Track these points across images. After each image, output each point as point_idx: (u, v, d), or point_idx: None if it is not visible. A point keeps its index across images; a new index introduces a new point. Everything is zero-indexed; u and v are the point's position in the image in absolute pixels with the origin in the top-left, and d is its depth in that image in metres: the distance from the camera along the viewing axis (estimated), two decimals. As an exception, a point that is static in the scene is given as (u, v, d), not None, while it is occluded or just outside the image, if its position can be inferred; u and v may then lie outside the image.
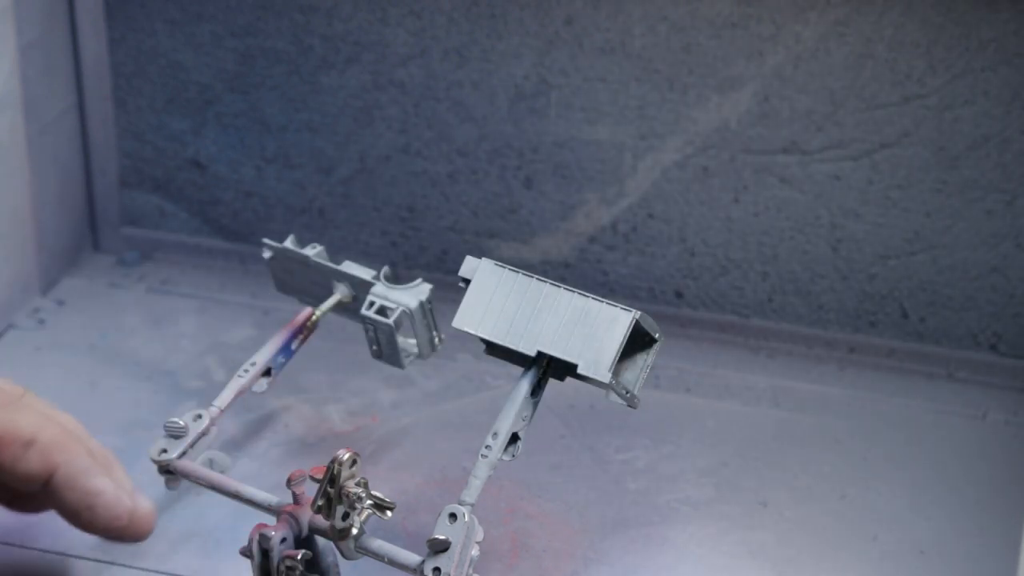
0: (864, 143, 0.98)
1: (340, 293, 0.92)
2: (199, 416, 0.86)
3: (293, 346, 0.90)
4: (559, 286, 0.81)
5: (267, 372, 0.89)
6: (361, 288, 0.91)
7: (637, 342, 0.80)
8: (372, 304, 0.90)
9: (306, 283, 0.94)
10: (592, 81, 1.00)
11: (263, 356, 0.89)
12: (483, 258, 0.82)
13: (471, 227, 1.06)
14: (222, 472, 0.85)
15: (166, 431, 0.85)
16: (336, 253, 1.08)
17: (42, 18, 1.03)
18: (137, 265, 1.10)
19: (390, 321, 0.89)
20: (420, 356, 0.91)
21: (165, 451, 0.85)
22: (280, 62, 1.05)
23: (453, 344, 1.03)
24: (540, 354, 0.80)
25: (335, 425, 0.95)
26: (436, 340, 0.91)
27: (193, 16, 1.05)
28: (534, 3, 1.00)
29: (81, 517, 0.78)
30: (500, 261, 1.05)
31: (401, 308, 0.89)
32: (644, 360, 0.81)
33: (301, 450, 0.93)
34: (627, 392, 0.80)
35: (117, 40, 1.07)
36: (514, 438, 0.79)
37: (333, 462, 0.74)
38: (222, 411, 0.87)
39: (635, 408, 0.81)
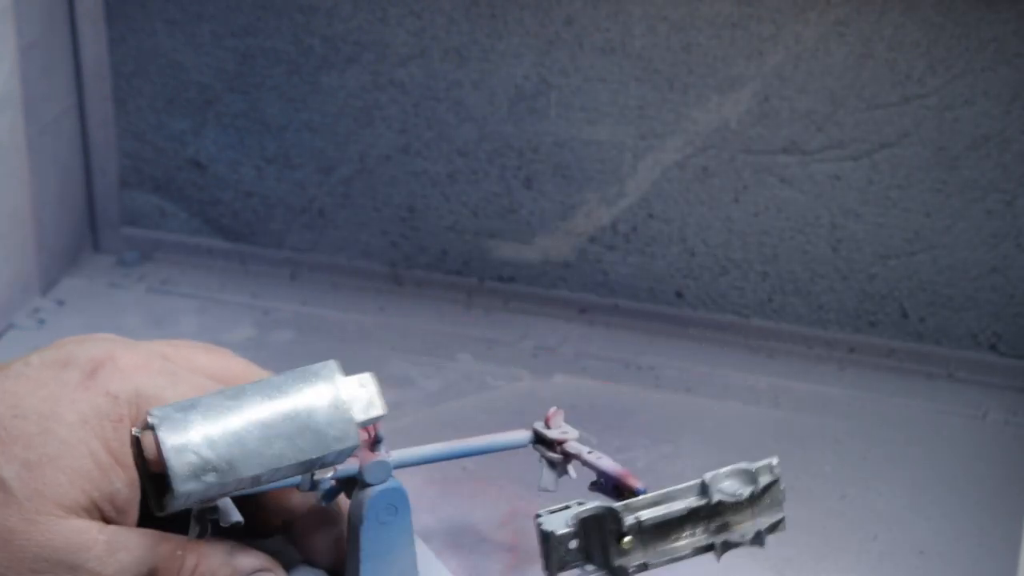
0: (864, 143, 0.98)
1: None
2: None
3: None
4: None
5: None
6: None
7: None
8: None
9: None
10: (592, 81, 1.00)
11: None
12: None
13: (471, 227, 1.06)
14: None
15: None
16: (336, 253, 1.09)
17: (42, 18, 1.03)
18: (137, 265, 1.10)
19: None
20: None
21: None
22: (280, 62, 1.05)
23: (453, 344, 1.03)
24: None
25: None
26: None
27: (193, 16, 1.05)
28: (534, 3, 1.00)
29: None
30: (500, 261, 1.06)
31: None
32: None
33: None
34: None
35: (117, 40, 1.07)
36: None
37: None
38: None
39: None
